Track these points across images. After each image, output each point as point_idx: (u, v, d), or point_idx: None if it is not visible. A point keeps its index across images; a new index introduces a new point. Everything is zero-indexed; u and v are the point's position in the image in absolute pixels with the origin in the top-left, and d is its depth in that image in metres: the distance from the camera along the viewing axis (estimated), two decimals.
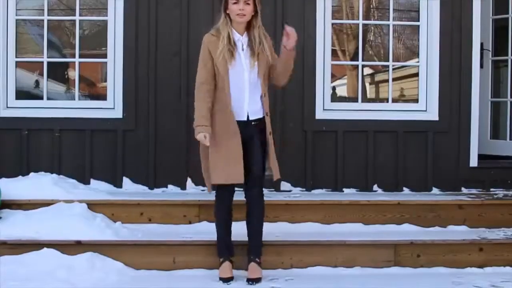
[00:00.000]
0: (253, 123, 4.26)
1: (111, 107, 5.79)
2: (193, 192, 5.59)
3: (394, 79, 6.27)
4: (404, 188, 5.90)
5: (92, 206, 4.97)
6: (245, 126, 4.24)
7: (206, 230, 4.78)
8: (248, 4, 4.13)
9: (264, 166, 4.31)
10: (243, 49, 4.23)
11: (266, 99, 4.31)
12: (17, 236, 4.57)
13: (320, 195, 5.65)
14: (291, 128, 5.82)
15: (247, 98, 4.23)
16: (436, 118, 5.94)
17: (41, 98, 5.92)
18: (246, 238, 4.42)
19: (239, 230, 4.45)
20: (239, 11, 4.11)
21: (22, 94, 5.95)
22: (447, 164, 5.94)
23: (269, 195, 5.43)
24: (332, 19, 5.98)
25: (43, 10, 5.83)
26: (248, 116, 4.24)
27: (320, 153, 5.85)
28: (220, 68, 4.17)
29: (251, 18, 4.19)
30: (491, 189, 5.93)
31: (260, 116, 4.29)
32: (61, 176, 5.53)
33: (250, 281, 4.27)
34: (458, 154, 5.96)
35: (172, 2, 5.76)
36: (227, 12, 4.20)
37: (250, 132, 4.25)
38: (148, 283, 4.30)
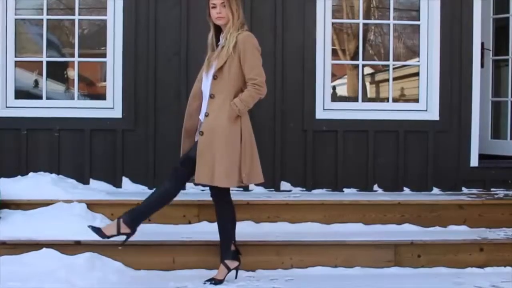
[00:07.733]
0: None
1: (111, 106, 5.78)
2: (192, 192, 5.56)
3: (394, 79, 6.26)
4: (405, 188, 5.89)
5: (92, 206, 4.96)
6: None
7: (206, 230, 4.78)
8: (224, 6, 4.16)
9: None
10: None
11: (230, 108, 4.11)
12: (16, 236, 4.56)
13: (320, 195, 5.64)
14: (291, 128, 5.81)
15: (205, 104, 4.22)
16: (437, 117, 5.92)
17: (40, 97, 5.91)
18: (247, 238, 4.42)
19: (241, 230, 4.45)
20: (217, 14, 4.18)
21: (21, 93, 5.93)
22: (448, 164, 5.93)
23: (269, 195, 5.45)
24: (332, 18, 5.97)
25: (43, 9, 5.82)
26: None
27: (320, 152, 5.84)
28: None
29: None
30: (492, 189, 5.92)
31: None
32: (61, 176, 5.52)
33: (212, 281, 4.24)
34: (458, 153, 5.95)
35: (172, 1, 5.74)
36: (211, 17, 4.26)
37: None
38: (148, 283, 4.29)
